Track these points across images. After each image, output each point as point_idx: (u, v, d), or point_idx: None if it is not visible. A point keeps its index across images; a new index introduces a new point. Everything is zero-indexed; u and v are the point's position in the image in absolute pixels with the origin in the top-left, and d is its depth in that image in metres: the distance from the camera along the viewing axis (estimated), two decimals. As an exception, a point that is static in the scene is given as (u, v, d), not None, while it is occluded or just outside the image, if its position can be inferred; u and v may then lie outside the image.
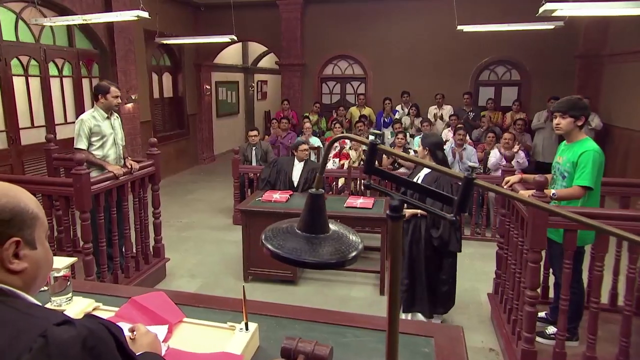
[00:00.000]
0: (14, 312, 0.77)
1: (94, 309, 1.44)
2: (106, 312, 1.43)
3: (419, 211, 3.16)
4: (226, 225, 5.92)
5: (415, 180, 3.20)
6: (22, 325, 0.74)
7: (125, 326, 1.27)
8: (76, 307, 1.44)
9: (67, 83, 6.31)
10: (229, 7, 8.51)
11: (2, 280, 0.82)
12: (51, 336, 0.72)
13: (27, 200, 0.88)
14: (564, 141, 2.92)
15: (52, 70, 6.04)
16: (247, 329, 1.28)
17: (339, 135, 0.98)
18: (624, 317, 2.54)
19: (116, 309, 1.43)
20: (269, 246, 0.97)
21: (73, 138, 6.32)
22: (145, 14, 4.38)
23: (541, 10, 3.62)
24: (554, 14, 3.54)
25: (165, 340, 1.30)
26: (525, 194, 2.66)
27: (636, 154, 6.45)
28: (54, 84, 6.07)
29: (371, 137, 0.84)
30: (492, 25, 6.35)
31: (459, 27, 6.49)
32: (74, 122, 6.36)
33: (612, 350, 2.72)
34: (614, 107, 7.33)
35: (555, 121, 2.88)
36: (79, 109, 6.44)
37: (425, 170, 3.22)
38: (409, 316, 3.36)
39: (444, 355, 1.22)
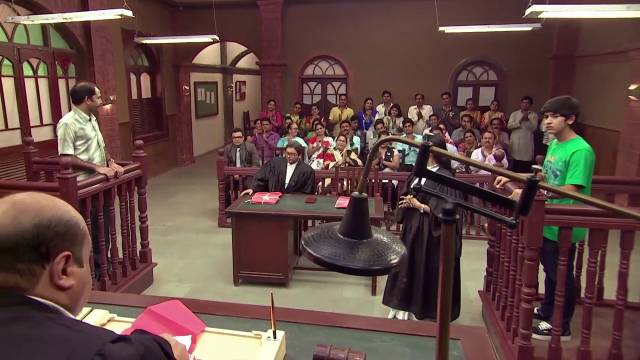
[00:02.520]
0: (65, 330, 0.73)
1: (108, 321, 1.38)
2: (122, 324, 1.37)
3: (423, 206, 3.14)
4: (211, 227, 5.83)
5: (419, 180, 3.18)
6: (76, 342, 0.70)
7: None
8: (91, 318, 1.37)
9: (43, 84, 6.09)
10: (207, 7, 8.38)
11: (49, 297, 0.78)
12: (109, 354, 0.69)
13: (77, 216, 0.85)
14: (555, 140, 2.98)
15: (27, 70, 5.81)
16: (274, 337, 1.25)
17: (387, 137, 0.97)
18: (616, 312, 2.62)
19: (132, 319, 1.37)
20: (311, 251, 0.94)
21: (49, 140, 6.17)
22: (129, 13, 4.26)
23: (528, 12, 3.70)
24: (539, 16, 3.63)
25: (189, 352, 1.25)
26: (519, 192, 2.71)
27: (607, 152, 6.67)
28: (29, 84, 5.84)
29: (420, 139, 0.83)
30: (474, 26, 6.46)
31: (441, 28, 6.57)
32: (50, 125, 6.20)
33: (602, 343, 2.80)
34: (586, 106, 7.54)
35: (546, 121, 2.93)
36: (55, 111, 6.23)
37: (432, 170, 3.20)
38: (405, 315, 3.37)
39: (474, 358, 1.22)
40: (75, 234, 0.82)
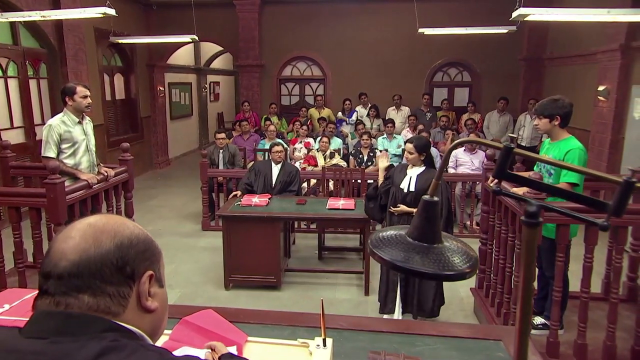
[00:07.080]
0: (159, 357, 0.70)
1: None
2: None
3: (413, 210, 3.17)
4: (195, 231, 5.71)
5: (407, 180, 3.22)
6: None
7: (190, 350, 1.19)
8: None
9: (13, 84, 5.81)
10: (182, 6, 8.22)
11: (135, 322, 0.75)
12: None
13: (149, 235, 0.82)
14: (548, 139, 3.08)
15: (-4, 70, 5.54)
16: (324, 345, 1.22)
17: (463, 139, 0.96)
18: (611, 305, 2.71)
19: (168, 331, 1.32)
20: (381, 254, 0.93)
21: (21, 144, 5.89)
22: (111, 11, 4.11)
23: (515, 14, 3.81)
24: (525, 19, 3.74)
25: (237, 362, 1.21)
26: (518, 191, 2.77)
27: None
28: (-2, 85, 5.58)
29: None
30: (454, 28, 6.57)
31: (420, 30, 6.66)
32: (21, 127, 5.92)
33: (592, 335, 2.89)
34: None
35: (535, 122, 3.08)
36: (27, 112, 5.96)
37: (418, 170, 3.23)
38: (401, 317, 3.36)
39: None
40: (154, 253, 0.81)
